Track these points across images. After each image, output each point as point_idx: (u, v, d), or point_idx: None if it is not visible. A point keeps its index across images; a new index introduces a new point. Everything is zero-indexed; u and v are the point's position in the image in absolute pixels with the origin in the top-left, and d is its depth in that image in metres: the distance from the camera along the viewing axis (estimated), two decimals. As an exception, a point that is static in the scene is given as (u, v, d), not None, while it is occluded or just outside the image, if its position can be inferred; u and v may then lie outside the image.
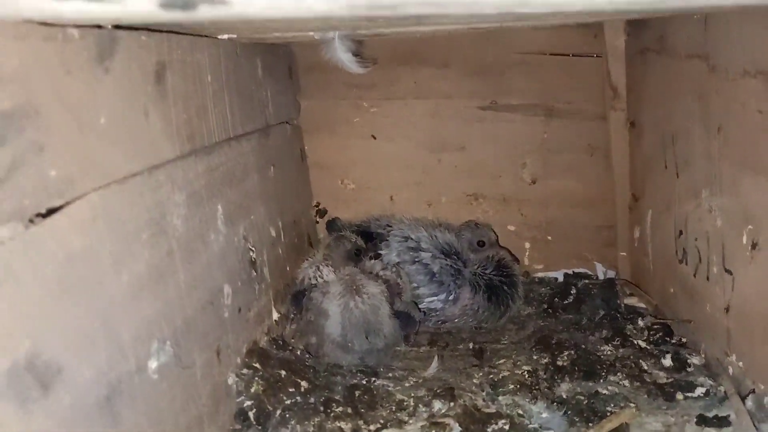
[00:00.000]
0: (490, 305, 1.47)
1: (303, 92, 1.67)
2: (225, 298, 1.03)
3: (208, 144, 1.00)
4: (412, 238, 1.50)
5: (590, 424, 1.03)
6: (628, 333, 1.32)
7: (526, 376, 1.17)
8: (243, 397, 1.04)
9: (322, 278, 1.31)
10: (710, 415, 1.01)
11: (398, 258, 1.48)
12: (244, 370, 1.08)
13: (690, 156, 1.18)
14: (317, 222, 1.75)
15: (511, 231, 1.71)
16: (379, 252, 1.45)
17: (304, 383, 1.12)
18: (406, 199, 1.73)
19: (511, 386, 1.14)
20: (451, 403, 1.09)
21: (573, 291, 1.53)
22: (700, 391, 1.10)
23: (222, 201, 1.05)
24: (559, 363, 1.21)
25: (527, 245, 1.72)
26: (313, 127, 1.70)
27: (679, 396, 1.09)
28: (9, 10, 0.43)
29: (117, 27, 0.73)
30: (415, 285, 1.45)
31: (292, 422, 1.04)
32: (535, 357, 1.25)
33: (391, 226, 1.55)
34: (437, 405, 1.09)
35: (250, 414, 1.03)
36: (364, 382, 1.18)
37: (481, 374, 1.21)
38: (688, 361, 1.19)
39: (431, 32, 1.29)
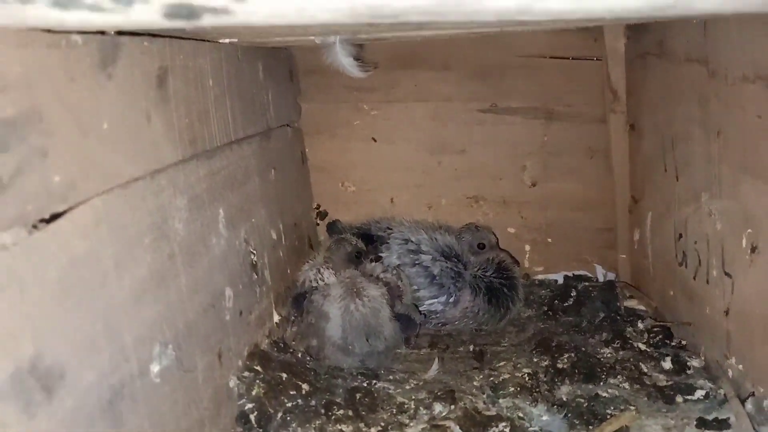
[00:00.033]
0: (491, 307, 1.48)
1: (303, 95, 1.68)
2: (226, 301, 1.04)
3: (209, 148, 1.01)
4: (412, 241, 1.51)
5: (590, 427, 1.03)
6: (628, 335, 1.32)
7: (527, 378, 1.17)
8: (244, 400, 1.05)
9: (323, 281, 1.32)
10: (710, 417, 1.02)
11: (399, 260, 1.48)
12: (246, 373, 1.08)
13: (690, 159, 1.18)
14: (318, 224, 1.75)
15: (511, 233, 1.72)
16: (380, 254, 1.46)
17: (305, 386, 1.13)
18: (407, 202, 1.73)
19: (512, 389, 1.14)
20: (452, 406, 1.09)
21: (573, 293, 1.54)
22: (699, 393, 1.10)
23: (223, 204, 1.06)
24: (560, 365, 1.22)
25: (527, 247, 1.72)
26: (313, 130, 1.71)
27: (679, 399, 1.10)
28: (15, 20, 0.44)
29: (120, 33, 0.73)
30: (415, 287, 1.46)
31: (294, 425, 1.04)
32: (535, 359, 1.25)
33: (391, 229, 1.55)
34: (438, 408, 1.09)
35: (252, 417, 1.03)
36: (365, 385, 1.18)
37: (481, 377, 1.21)
38: (688, 363, 1.19)
39: (432, 36, 1.30)
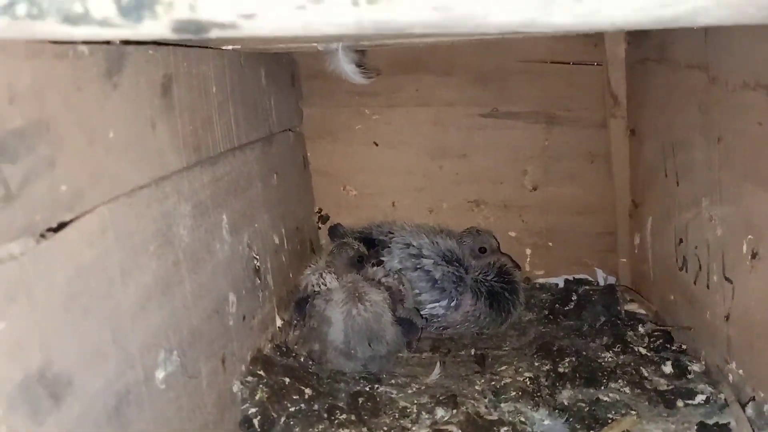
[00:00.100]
0: (492, 311, 1.48)
1: (305, 100, 1.68)
2: (230, 306, 1.05)
3: (213, 154, 1.02)
4: (413, 245, 1.51)
5: (591, 431, 1.04)
6: (629, 340, 1.33)
7: (528, 382, 1.18)
8: (248, 405, 1.05)
9: (325, 285, 1.32)
10: (711, 422, 1.02)
11: (400, 265, 1.49)
12: (249, 378, 1.09)
13: (690, 165, 1.19)
14: (319, 228, 1.76)
15: (512, 237, 1.72)
16: (381, 259, 1.46)
17: (307, 390, 1.13)
18: (408, 206, 1.74)
19: (513, 393, 1.14)
20: (454, 411, 1.10)
21: (574, 297, 1.54)
22: (700, 398, 1.11)
23: (227, 210, 1.06)
24: (561, 370, 1.22)
25: (528, 251, 1.73)
26: (315, 134, 1.71)
27: (680, 403, 1.10)
28: (24, 34, 0.44)
29: (125, 42, 0.74)
30: (417, 291, 1.46)
31: (297, 429, 1.05)
32: (536, 364, 1.26)
33: (392, 233, 1.56)
34: (440, 412, 1.10)
35: (255, 421, 1.04)
36: (368, 389, 1.19)
37: (483, 381, 1.22)
38: (689, 368, 1.20)
39: (434, 42, 1.31)
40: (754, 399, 1.00)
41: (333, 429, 1.05)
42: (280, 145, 1.45)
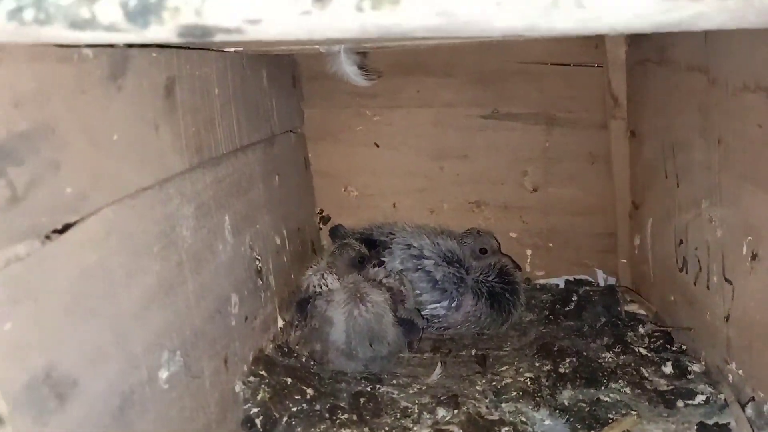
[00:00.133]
0: (493, 312, 1.49)
1: (306, 101, 1.69)
2: (232, 306, 1.05)
3: (215, 155, 1.02)
4: (414, 246, 1.51)
5: (592, 431, 1.04)
6: (629, 340, 1.33)
7: (529, 383, 1.18)
8: (250, 405, 1.06)
9: (327, 286, 1.32)
10: (710, 422, 1.03)
11: (401, 265, 1.49)
12: (251, 378, 1.09)
13: (690, 166, 1.20)
14: (320, 229, 1.76)
15: (513, 238, 1.73)
16: (382, 260, 1.46)
17: (309, 390, 1.14)
18: (409, 206, 1.74)
19: (514, 393, 1.15)
20: (455, 411, 1.10)
21: (574, 298, 1.55)
22: (700, 398, 1.11)
23: (229, 211, 1.07)
24: (561, 370, 1.23)
25: (529, 252, 1.73)
26: (316, 136, 1.72)
27: (680, 403, 1.11)
28: (31, 38, 0.45)
29: (129, 45, 0.74)
30: (418, 292, 1.47)
31: (299, 429, 1.05)
32: (537, 364, 1.26)
33: (393, 234, 1.56)
34: (441, 412, 1.10)
35: (257, 421, 1.04)
36: (369, 389, 1.19)
37: (484, 381, 1.22)
38: (689, 368, 1.20)
39: (435, 44, 1.31)
40: (753, 399, 1.01)
41: (335, 429, 1.06)
42: (281, 146, 1.46)
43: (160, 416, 0.78)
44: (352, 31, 0.45)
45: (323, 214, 1.77)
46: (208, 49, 1.00)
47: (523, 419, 1.08)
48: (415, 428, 1.07)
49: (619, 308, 1.46)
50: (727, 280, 1.07)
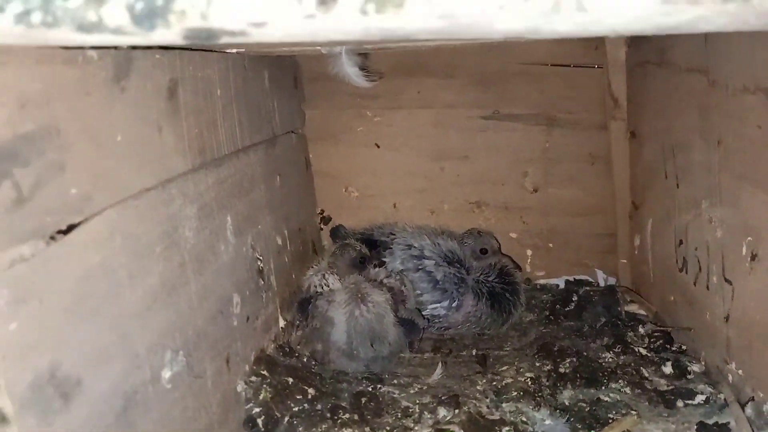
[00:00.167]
0: (493, 312, 1.49)
1: (308, 102, 1.69)
2: (234, 307, 1.05)
3: (217, 156, 1.03)
4: (415, 246, 1.52)
5: (592, 431, 1.04)
6: (629, 340, 1.33)
7: (529, 383, 1.19)
8: (251, 404, 1.06)
9: (328, 286, 1.33)
10: (710, 422, 1.03)
11: (402, 266, 1.49)
12: (253, 378, 1.10)
13: (690, 167, 1.20)
14: (321, 229, 1.76)
15: (513, 238, 1.73)
16: (383, 260, 1.47)
17: (311, 390, 1.14)
18: (410, 207, 1.75)
19: (515, 393, 1.15)
20: (456, 410, 1.10)
21: (574, 298, 1.55)
22: (700, 398, 1.11)
23: (231, 212, 1.07)
24: (562, 370, 1.23)
25: (529, 252, 1.74)
26: (317, 136, 1.72)
27: (680, 403, 1.11)
28: (38, 41, 0.45)
29: (133, 47, 0.75)
30: (418, 292, 1.47)
31: (300, 429, 1.06)
32: (537, 364, 1.27)
33: (394, 234, 1.57)
34: (442, 412, 1.10)
35: (259, 421, 1.05)
36: (370, 389, 1.20)
37: (484, 381, 1.23)
38: (689, 368, 1.20)
39: (437, 46, 1.31)
40: (753, 399, 1.01)
41: (336, 428, 1.06)
42: (283, 147, 1.46)
43: (162, 416, 0.78)
44: (355, 34, 0.46)
45: (324, 214, 1.77)
46: (211, 51, 1.01)
47: (524, 419, 1.08)
48: (416, 428, 1.08)
49: (619, 308, 1.46)
50: (726, 280, 1.07)
